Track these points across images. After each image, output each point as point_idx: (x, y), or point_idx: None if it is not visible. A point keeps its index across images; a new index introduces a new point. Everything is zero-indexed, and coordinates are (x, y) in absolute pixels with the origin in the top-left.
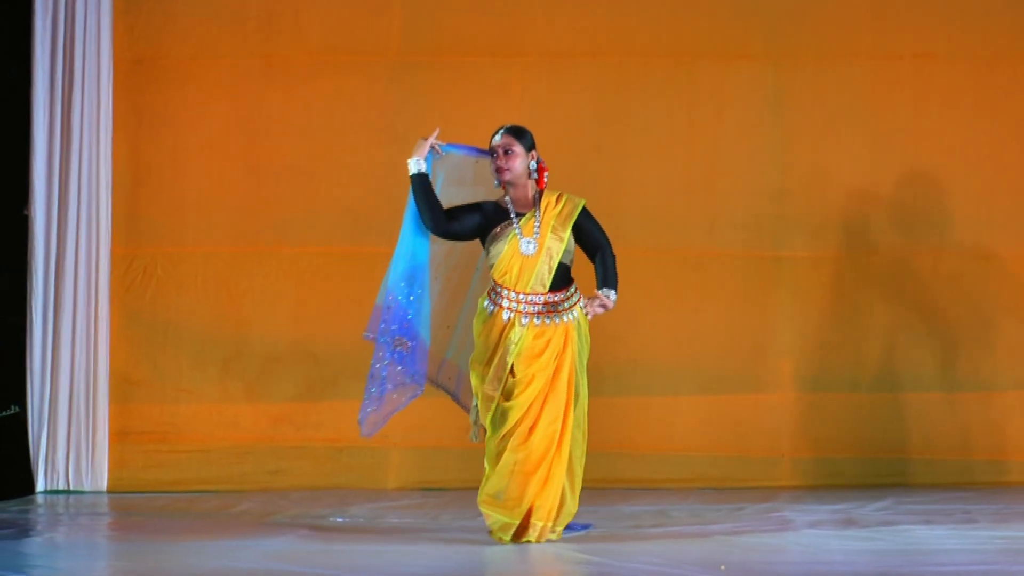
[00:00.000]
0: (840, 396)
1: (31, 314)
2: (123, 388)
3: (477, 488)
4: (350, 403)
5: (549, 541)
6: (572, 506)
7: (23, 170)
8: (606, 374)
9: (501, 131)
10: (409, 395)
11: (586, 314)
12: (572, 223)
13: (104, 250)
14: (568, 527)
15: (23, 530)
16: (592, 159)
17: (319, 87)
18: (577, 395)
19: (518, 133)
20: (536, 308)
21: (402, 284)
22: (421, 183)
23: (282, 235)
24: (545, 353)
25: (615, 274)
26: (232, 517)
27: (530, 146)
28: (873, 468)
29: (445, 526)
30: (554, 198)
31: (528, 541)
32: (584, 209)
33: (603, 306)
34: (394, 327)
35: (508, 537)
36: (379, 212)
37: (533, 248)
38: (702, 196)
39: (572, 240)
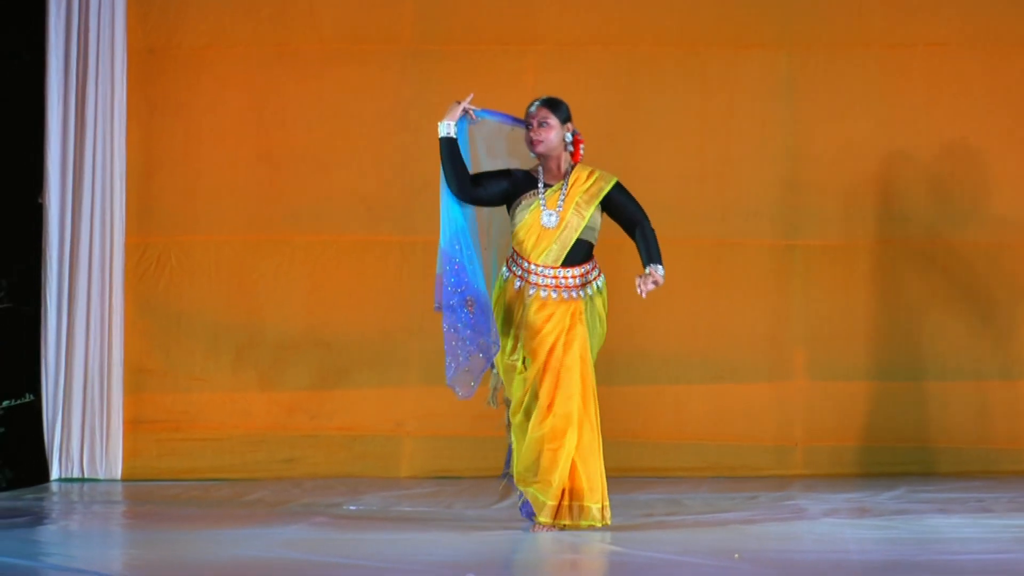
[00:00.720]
0: (854, 384)
1: (45, 303)
2: (137, 377)
3: (490, 476)
4: (363, 391)
5: (605, 528)
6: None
7: (37, 159)
8: (619, 363)
9: (537, 103)
10: (490, 354)
11: (640, 293)
12: (599, 201)
13: (118, 239)
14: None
15: (38, 518)
16: (604, 148)
17: (332, 76)
18: (593, 375)
19: (554, 105)
20: (545, 280)
21: (456, 246)
22: (449, 147)
23: (295, 223)
24: (546, 328)
25: (658, 247)
26: (245, 505)
27: (566, 118)
28: (886, 457)
29: (458, 514)
30: (585, 173)
31: (577, 527)
32: (617, 185)
33: (655, 283)
34: (461, 288)
35: (547, 518)
36: (392, 200)
37: (554, 221)
38: (715, 185)
39: (597, 219)
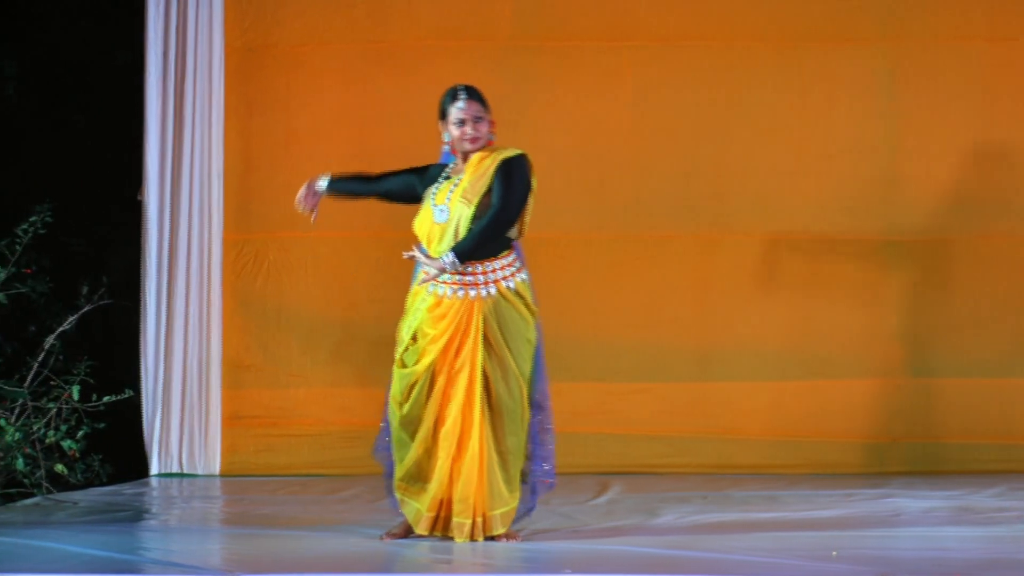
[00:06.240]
0: (952, 380)
1: (145, 299)
2: (235, 373)
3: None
4: None
5: (491, 539)
6: (511, 501)
7: (136, 157)
8: (715, 359)
9: (463, 97)
10: None
11: (419, 272)
12: (488, 185)
13: (216, 236)
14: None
15: (137, 513)
16: (700, 144)
17: (428, 72)
18: (506, 380)
19: (481, 96)
20: (444, 277)
21: None
22: (332, 192)
23: (392, 220)
24: (439, 326)
25: (471, 241)
26: (343, 501)
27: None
28: (986, 454)
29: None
30: (478, 157)
31: (450, 538)
32: (504, 162)
33: (438, 269)
34: None
35: (423, 529)
36: None
37: (444, 216)
38: (813, 181)
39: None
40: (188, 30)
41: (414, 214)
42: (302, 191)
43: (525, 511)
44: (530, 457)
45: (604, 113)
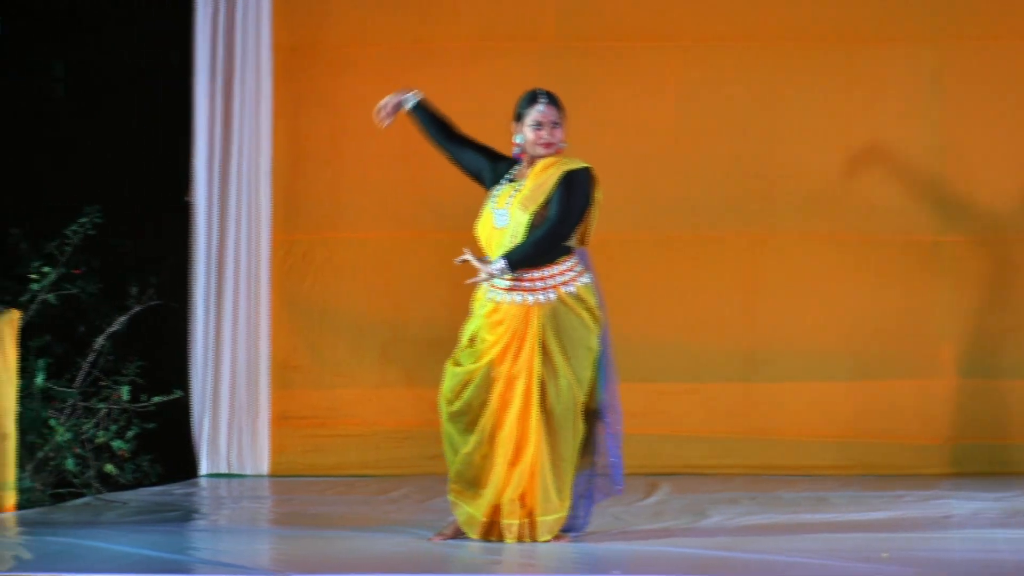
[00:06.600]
0: (1002, 382)
1: (193, 300)
2: (283, 373)
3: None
4: None
5: (535, 542)
6: (561, 509)
7: (185, 158)
8: (762, 360)
9: (543, 100)
10: None
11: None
12: (548, 195)
13: (264, 236)
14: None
15: (186, 513)
16: (747, 144)
17: (474, 72)
18: (557, 387)
19: (560, 103)
20: (501, 283)
21: None
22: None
23: (440, 220)
24: (496, 332)
25: (521, 252)
26: (391, 501)
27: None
28: None
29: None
30: (542, 165)
31: (500, 541)
32: (568, 175)
33: (486, 274)
34: None
35: (476, 534)
36: None
37: (504, 221)
38: (859, 181)
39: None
40: (236, 30)
41: (461, 215)
42: (390, 97)
43: (583, 520)
44: (596, 465)
45: (649, 113)
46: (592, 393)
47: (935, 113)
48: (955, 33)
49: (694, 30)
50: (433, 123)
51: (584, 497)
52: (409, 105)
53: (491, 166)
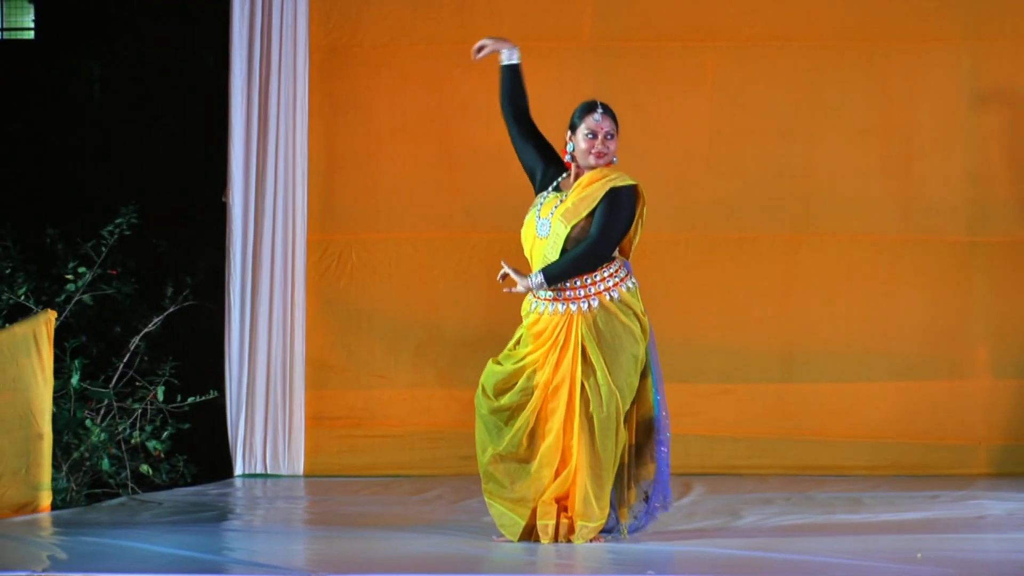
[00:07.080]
0: None
1: (229, 300)
2: (318, 373)
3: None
4: None
5: (569, 542)
6: (600, 518)
7: (221, 158)
8: (798, 361)
9: (599, 111)
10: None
11: (505, 281)
12: (590, 209)
13: (300, 236)
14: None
15: (222, 513)
16: (784, 144)
17: None
18: (599, 395)
19: (614, 115)
20: (543, 293)
21: None
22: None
23: (475, 221)
24: (539, 341)
25: (558, 268)
26: (425, 502)
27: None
28: None
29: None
30: (588, 178)
31: (538, 542)
32: (613, 192)
33: (523, 287)
34: None
35: (515, 536)
36: None
37: (545, 231)
38: (897, 181)
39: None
40: (273, 30)
41: (496, 216)
42: (493, 40)
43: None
44: (652, 476)
45: (687, 114)
46: (644, 402)
47: (971, 113)
48: (992, 33)
49: (731, 31)
50: (516, 91)
51: (646, 502)
52: (505, 60)
53: (545, 169)
